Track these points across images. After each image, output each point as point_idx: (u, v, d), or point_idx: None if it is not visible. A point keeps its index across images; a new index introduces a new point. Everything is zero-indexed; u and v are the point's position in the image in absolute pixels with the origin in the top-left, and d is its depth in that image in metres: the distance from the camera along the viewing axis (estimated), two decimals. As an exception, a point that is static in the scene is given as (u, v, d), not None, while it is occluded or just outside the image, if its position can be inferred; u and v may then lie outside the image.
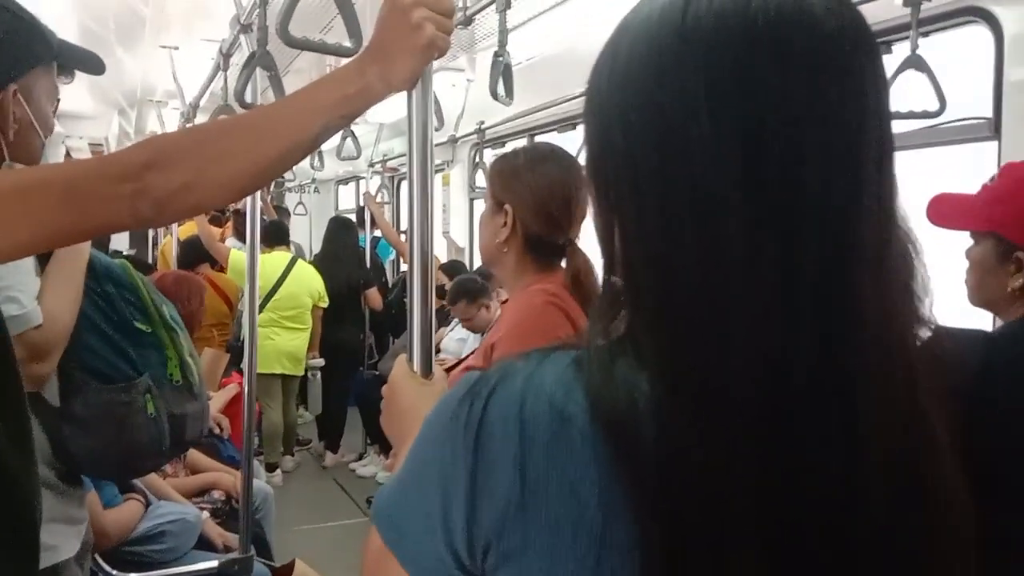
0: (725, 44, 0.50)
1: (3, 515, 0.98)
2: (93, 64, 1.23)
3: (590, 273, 1.56)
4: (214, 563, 2.20)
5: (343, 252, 5.44)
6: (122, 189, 0.84)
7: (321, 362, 5.28)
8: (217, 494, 2.76)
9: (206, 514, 2.59)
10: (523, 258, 1.54)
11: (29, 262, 1.28)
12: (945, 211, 1.28)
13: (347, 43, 1.33)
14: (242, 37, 2.20)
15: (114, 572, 2.14)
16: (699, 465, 0.48)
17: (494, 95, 2.13)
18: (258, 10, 1.88)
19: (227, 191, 0.92)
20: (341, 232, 5.61)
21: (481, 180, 4.69)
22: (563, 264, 1.57)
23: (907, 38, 2.21)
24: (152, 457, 1.55)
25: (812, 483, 0.49)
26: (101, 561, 2.12)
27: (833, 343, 0.49)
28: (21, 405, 1.07)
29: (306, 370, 5.09)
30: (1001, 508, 0.67)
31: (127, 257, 5.62)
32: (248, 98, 1.98)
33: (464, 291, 4.15)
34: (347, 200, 9.13)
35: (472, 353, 1.96)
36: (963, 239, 1.30)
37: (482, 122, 4.70)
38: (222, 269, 4.68)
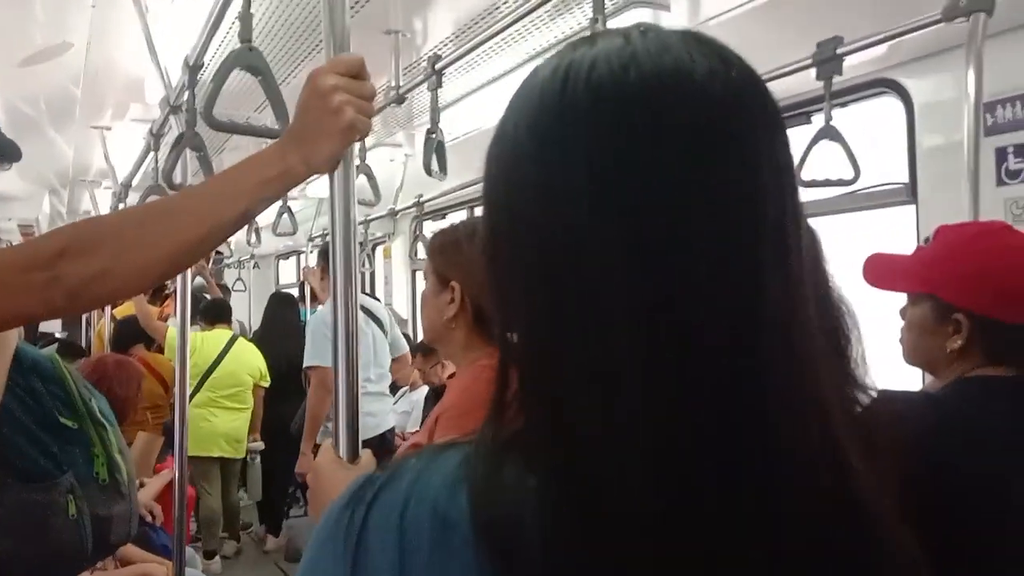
0: (602, 122, 0.47)
1: None
2: (10, 151, 1.20)
3: None
4: (143, 662, 2.08)
5: (284, 328, 5.36)
6: (34, 278, 0.82)
7: (261, 445, 5.12)
8: (148, 586, 2.63)
9: (136, 609, 2.46)
10: (471, 333, 1.51)
11: None
12: (881, 272, 1.30)
13: (275, 124, 1.34)
14: (172, 118, 2.20)
15: (34, 678, 2.00)
16: None
17: (428, 171, 2.16)
18: (187, 92, 1.89)
19: (145, 277, 0.91)
20: (281, 308, 5.53)
21: (422, 252, 4.71)
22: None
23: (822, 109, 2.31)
24: (74, 561, 1.45)
25: None
26: (20, 666, 1.98)
27: (743, 444, 0.46)
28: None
29: (246, 453, 4.95)
30: (960, 571, 0.65)
31: (59, 340, 5.45)
32: (178, 179, 1.97)
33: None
34: (288, 275, 9.05)
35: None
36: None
37: (420, 195, 4.75)
38: (159, 349, 4.57)
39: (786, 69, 2.11)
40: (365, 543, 0.48)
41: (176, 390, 2.13)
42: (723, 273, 0.46)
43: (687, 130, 0.46)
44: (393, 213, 5.16)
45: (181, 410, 2.07)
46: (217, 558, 4.74)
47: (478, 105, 3.75)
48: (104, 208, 5.13)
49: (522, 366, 0.51)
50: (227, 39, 2.23)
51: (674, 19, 2.57)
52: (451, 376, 1.72)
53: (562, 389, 0.47)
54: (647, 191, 0.46)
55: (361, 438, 2.94)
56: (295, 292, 6.43)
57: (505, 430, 0.50)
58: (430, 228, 5.22)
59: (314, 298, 5.79)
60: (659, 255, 0.46)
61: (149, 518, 2.87)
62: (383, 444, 3.61)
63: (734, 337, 0.46)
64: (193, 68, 1.83)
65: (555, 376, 0.48)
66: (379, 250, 6.17)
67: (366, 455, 0.97)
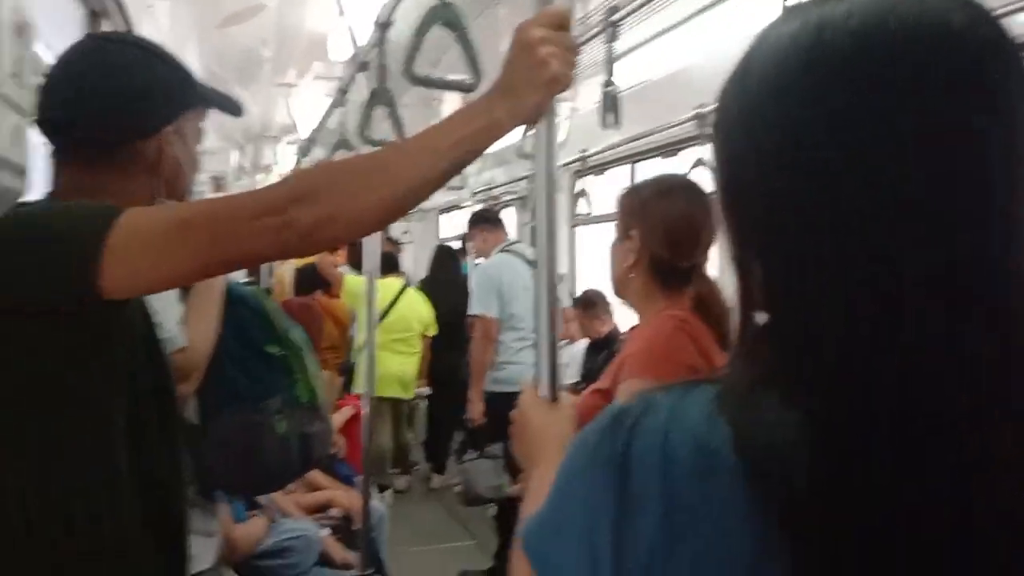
0: (862, 67, 0.48)
1: (160, 526, 1.06)
2: (233, 107, 1.31)
3: (715, 297, 1.59)
4: (334, 580, 2.28)
5: (449, 280, 5.55)
6: (270, 222, 0.90)
7: (427, 390, 5.40)
8: (335, 511, 2.85)
9: (326, 531, 2.67)
10: (650, 282, 1.59)
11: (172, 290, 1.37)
12: None
13: (464, 78, 1.39)
14: (359, 75, 2.31)
15: (244, 585, 2.24)
16: (855, 509, 0.47)
17: (604, 124, 2.17)
18: (376, 49, 1.98)
19: (364, 224, 0.97)
20: (446, 260, 5.72)
21: (583, 207, 4.71)
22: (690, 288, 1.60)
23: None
24: (283, 475, 1.64)
25: (985, 525, 0.46)
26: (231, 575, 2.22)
27: (1007, 374, 0.47)
28: (175, 425, 1.16)
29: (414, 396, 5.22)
30: None
31: (247, 284, 5.88)
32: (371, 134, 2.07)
33: None
34: (449, 229, 9.29)
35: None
36: None
37: (584, 150, 4.73)
38: (334, 295, 4.87)
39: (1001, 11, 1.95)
40: (629, 468, 0.52)
41: (363, 336, 2.28)
42: (980, 225, 0.48)
43: (947, 80, 0.47)
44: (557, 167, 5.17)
45: (369, 354, 2.22)
46: (388, 491, 5.05)
47: (644, 58, 3.69)
48: (286, 162, 5.45)
49: (770, 306, 0.53)
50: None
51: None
52: (633, 328, 1.78)
53: (816, 330, 0.49)
54: (907, 131, 0.47)
55: (524, 388, 2.91)
56: (457, 245, 6.59)
57: (754, 365, 0.53)
58: (591, 183, 5.21)
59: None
60: (919, 202, 0.47)
61: (334, 449, 3.09)
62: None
63: (995, 276, 0.48)
64: (383, 26, 1.91)
65: (808, 316, 0.50)
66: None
67: (566, 397, 1.02)
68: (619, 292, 1.69)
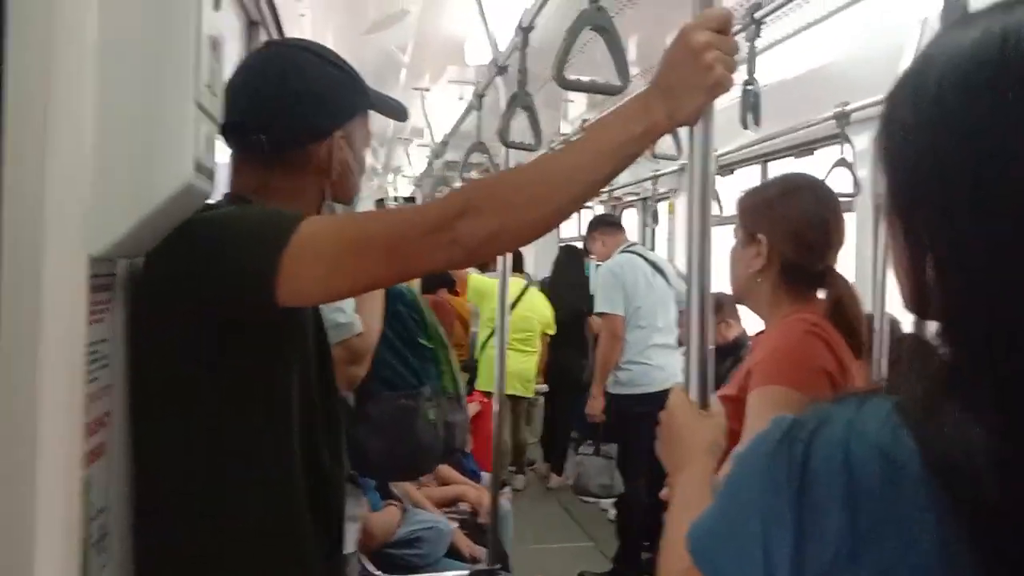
0: None
1: (322, 512, 1.11)
2: (399, 112, 1.37)
3: (853, 299, 1.54)
4: (464, 572, 2.34)
5: (572, 279, 5.56)
6: (439, 238, 0.92)
7: (544, 388, 5.43)
8: (464, 506, 2.92)
9: (455, 524, 2.74)
10: (778, 288, 1.55)
11: None
12: None
13: (613, 81, 1.39)
14: (498, 79, 2.35)
15: (377, 573, 2.32)
16: None
17: (744, 124, 2.13)
18: (518, 53, 2.01)
19: (528, 234, 0.98)
20: (570, 260, 5.73)
21: (713, 208, 4.62)
22: (819, 292, 1.55)
23: None
24: (431, 459, 1.73)
25: None
26: (365, 562, 2.31)
27: None
28: (337, 414, 1.21)
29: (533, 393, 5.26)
30: None
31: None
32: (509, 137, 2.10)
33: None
34: (568, 228, 9.29)
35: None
36: None
37: (715, 149, 4.64)
38: (455, 293, 4.98)
39: None
40: (809, 479, 0.53)
41: (495, 335, 2.34)
42: None
43: None
44: (682, 169, 5.11)
45: (500, 351, 2.27)
46: (507, 488, 5.11)
47: (779, 55, 3.58)
48: (418, 162, 5.59)
49: (951, 312, 0.53)
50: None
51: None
52: (759, 333, 1.75)
53: (1004, 334, 0.49)
54: None
55: (649, 390, 3.04)
56: (579, 244, 6.60)
57: (930, 373, 0.53)
58: (720, 184, 5.10)
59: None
60: None
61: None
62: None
63: None
64: (526, 30, 1.94)
65: (996, 322, 0.49)
66: (663, 205, 6.14)
67: (716, 404, 1.01)
68: (741, 297, 1.66)
